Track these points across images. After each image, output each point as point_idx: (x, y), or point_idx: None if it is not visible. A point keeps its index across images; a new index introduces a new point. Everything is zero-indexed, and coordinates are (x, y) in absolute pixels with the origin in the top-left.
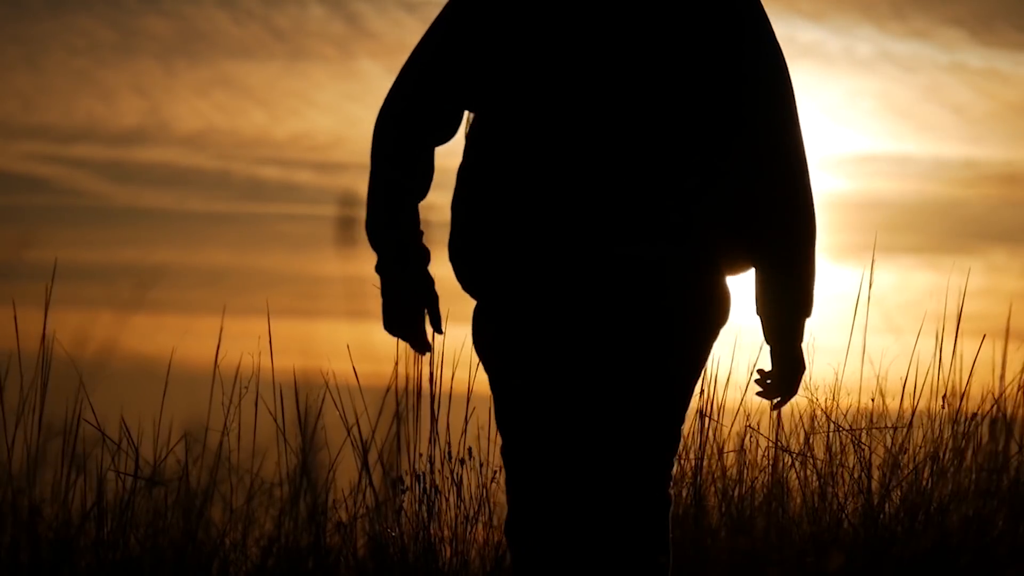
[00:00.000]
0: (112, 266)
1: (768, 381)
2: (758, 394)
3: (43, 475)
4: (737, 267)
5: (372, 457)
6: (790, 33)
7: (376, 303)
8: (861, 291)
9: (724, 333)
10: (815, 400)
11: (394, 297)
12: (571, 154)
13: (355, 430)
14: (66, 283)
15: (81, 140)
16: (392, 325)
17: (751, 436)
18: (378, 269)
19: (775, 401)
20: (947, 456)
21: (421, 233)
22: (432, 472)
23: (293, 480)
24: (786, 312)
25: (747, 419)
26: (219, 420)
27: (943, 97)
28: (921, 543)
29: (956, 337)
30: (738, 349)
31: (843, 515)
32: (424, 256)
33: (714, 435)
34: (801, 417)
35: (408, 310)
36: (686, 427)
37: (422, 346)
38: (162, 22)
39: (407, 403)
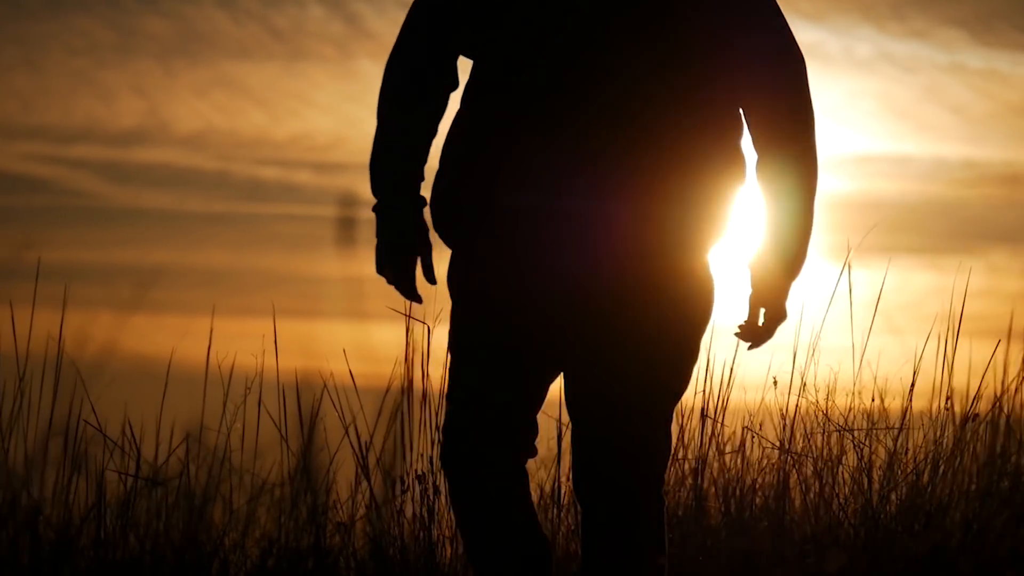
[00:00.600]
0: (111, 266)
1: (748, 326)
2: (735, 335)
3: (43, 475)
4: (714, 231)
5: (372, 458)
6: None
7: (375, 303)
8: (863, 291)
9: (723, 334)
10: (815, 401)
11: (384, 234)
12: (551, 108)
13: (355, 431)
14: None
15: (81, 140)
16: (383, 266)
17: (751, 436)
18: (374, 209)
19: (749, 344)
20: (947, 457)
21: (420, 183)
22: (432, 472)
23: (293, 480)
24: (774, 259)
25: (747, 419)
26: (219, 420)
27: (943, 97)
28: (921, 544)
29: (957, 338)
30: (739, 350)
31: (843, 515)
32: (417, 200)
33: (714, 435)
34: (802, 417)
35: (397, 249)
36: (690, 427)
37: (411, 292)
38: (161, 22)
39: (407, 403)
